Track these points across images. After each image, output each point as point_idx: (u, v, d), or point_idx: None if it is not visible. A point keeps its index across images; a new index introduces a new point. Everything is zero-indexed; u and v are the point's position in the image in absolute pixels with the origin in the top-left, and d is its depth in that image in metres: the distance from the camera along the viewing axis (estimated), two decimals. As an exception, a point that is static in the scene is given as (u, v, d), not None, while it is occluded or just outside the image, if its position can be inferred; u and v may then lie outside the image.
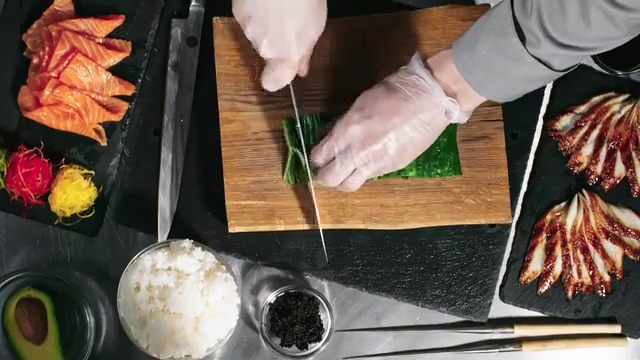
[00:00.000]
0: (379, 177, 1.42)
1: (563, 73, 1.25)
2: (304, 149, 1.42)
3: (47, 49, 1.48)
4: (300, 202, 1.46)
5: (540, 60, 1.22)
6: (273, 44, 1.30)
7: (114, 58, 1.51)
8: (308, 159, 1.40)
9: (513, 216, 1.52)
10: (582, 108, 1.53)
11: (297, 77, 1.39)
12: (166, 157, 1.50)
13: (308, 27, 1.30)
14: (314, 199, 1.44)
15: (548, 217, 1.51)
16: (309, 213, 1.46)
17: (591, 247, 1.50)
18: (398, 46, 1.49)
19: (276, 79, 1.35)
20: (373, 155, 1.32)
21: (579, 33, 1.17)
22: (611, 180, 1.52)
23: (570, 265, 1.50)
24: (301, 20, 1.28)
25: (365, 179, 1.35)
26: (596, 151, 1.52)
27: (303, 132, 1.44)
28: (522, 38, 1.21)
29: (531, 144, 1.53)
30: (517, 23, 1.21)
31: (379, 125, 1.31)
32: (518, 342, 1.50)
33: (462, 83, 1.28)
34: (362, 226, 1.47)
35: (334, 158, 1.34)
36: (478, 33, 1.25)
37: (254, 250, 1.49)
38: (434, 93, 1.29)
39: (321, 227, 1.45)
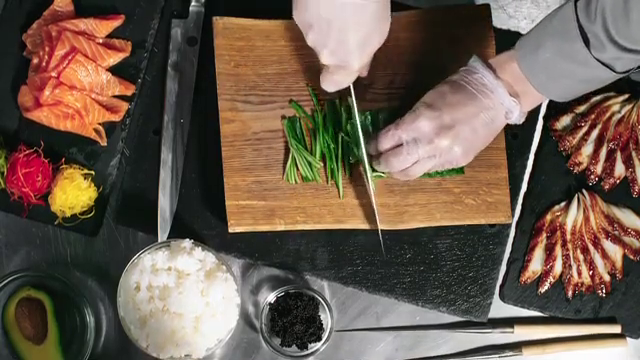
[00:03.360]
0: (436, 173, 1.44)
1: (624, 75, 1.26)
2: (362, 142, 1.42)
3: (47, 49, 1.48)
4: (300, 202, 1.46)
5: (603, 63, 1.23)
6: (334, 53, 1.28)
7: (114, 58, 1.51)
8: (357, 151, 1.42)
9: (513, 216, 1.52)
10: (582, 108, 1.53)
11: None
12: (166, 157, 1.50)
13: (371, 38, 1.28)
14: (372, 198, 1.44)
15: (548, 217, 1.51)
16: (309, 213, 1.46)
17: (591, 247, 1.50)
18: (396, 47, 1.49)
19: (336, 83, 1.36)
20: (440, 149, 1.33)
21: None
22: (611, 180, 1.52)
23: (570, 265, 1.50)
24: (364, 32, 1.26)
25: (426, 170, 1.37)
26: (596, 151, 1.52)
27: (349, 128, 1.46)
28: (586, 42, 1.22)
29: (531, 144, 1.53)
30: (581, 27, 1.22)
31: (448, 119, 1.32)
32: (518, 346, 1.50)
33: (524, 84, 1.30)
34: (362, 226, 1.46)
35: (400, 145, 1.35)
36: (542, 36, 1.27)
37: (254, 250, 1.49)
38: (498, 92, 1.31)
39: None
